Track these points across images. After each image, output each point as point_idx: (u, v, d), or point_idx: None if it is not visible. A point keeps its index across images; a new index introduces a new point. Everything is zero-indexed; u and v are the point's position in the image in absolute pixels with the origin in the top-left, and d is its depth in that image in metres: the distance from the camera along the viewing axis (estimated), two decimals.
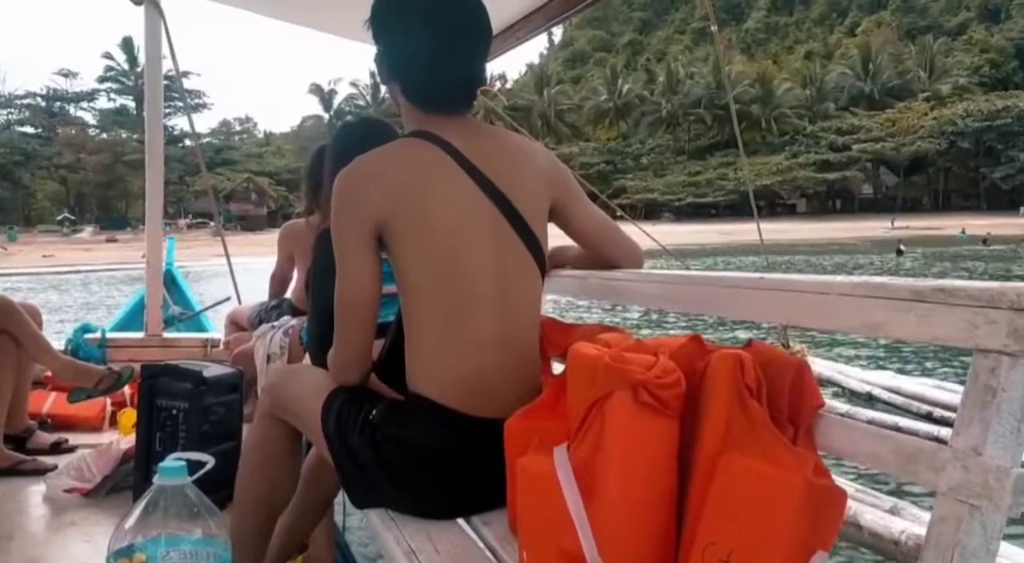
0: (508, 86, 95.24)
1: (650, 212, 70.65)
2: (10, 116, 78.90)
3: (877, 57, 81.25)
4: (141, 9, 3.70)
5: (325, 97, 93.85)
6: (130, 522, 1.22)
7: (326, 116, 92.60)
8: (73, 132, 77.93)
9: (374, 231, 1.36)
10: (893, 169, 73.14)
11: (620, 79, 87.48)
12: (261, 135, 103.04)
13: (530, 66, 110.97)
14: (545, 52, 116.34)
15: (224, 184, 70.74)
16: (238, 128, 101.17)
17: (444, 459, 1.35)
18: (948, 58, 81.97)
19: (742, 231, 50.24)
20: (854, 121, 75.10)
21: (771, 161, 73.00)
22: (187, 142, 75.24)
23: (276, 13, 3.66)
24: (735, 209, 67.55)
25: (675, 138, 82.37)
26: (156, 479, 1.24)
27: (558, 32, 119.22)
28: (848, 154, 71.61)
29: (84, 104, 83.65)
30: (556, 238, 1.61)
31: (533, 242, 1.43)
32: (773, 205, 73.69)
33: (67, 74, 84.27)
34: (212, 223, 56.22)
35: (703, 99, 79.77)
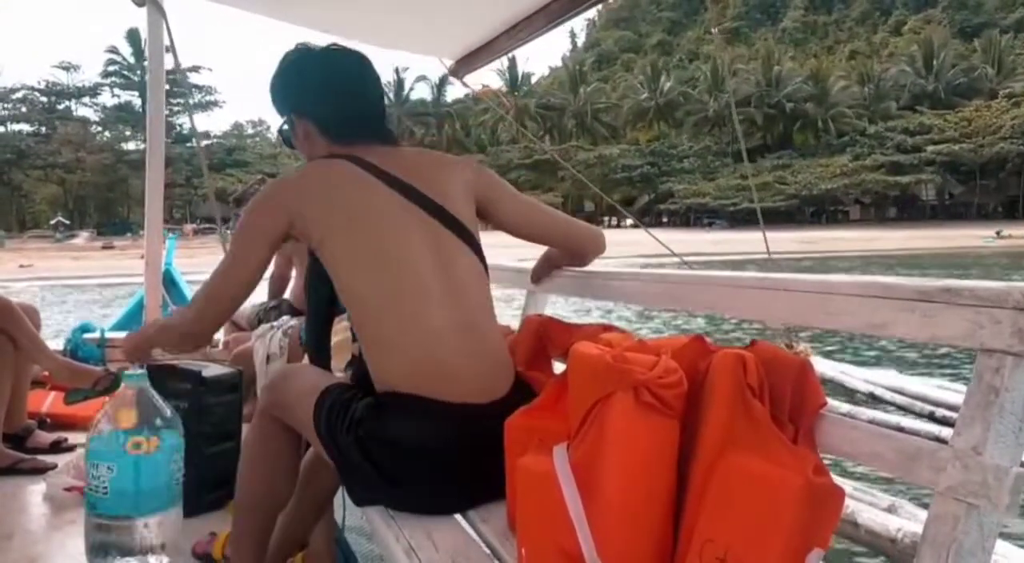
0: (531, 86, 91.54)
1: (698, 218, 66.76)
2: (4, 112, 73.02)
3: (940, 54, 75.76)
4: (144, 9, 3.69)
5: None
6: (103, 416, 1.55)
7: None
8: (71, 129, 72.82)
9: (280, 236, 1.46)
10: (957, 173, 66.80)
11: (663, 76, 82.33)
12: (273, 138, 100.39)
13: (554, 68, 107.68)
14: (568, 54, 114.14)
15: (235, 186, 65.48)
16: (250, 130, 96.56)
17: (424, 449, 1.36)
18: (1010, 56, 76.85)
19: (826, 239, 46.13)
20: (923, 120, 69.39)
21: (833, 163, 68.14)
22: (195, 142, 72.95)
23: (278, 14, 3.66)
24: (789, 215, 63.77)
25: (717, 140, 76.77)
26: (123, 385, 1.56)
27: (581, 34, 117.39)
28: (920, 156, 65.66)
29: (86, 100, 78.26)
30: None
31: (464, 232, 1.49)
32: (835, 212, 69.70)
33: (67, 67, 78.51)
34: (222, 228, 54.19)
35: (753, 97, 74.08)
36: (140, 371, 1.59)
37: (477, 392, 1.38)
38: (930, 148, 65.73)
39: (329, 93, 1.55)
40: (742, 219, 63.70)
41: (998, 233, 48.08)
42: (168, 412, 1.60)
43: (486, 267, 1.55)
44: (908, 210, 70.06)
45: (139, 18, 3.73)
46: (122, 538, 1.56)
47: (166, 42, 3.77)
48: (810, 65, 78.93)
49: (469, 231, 1.51)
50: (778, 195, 65.83)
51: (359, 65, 1.58)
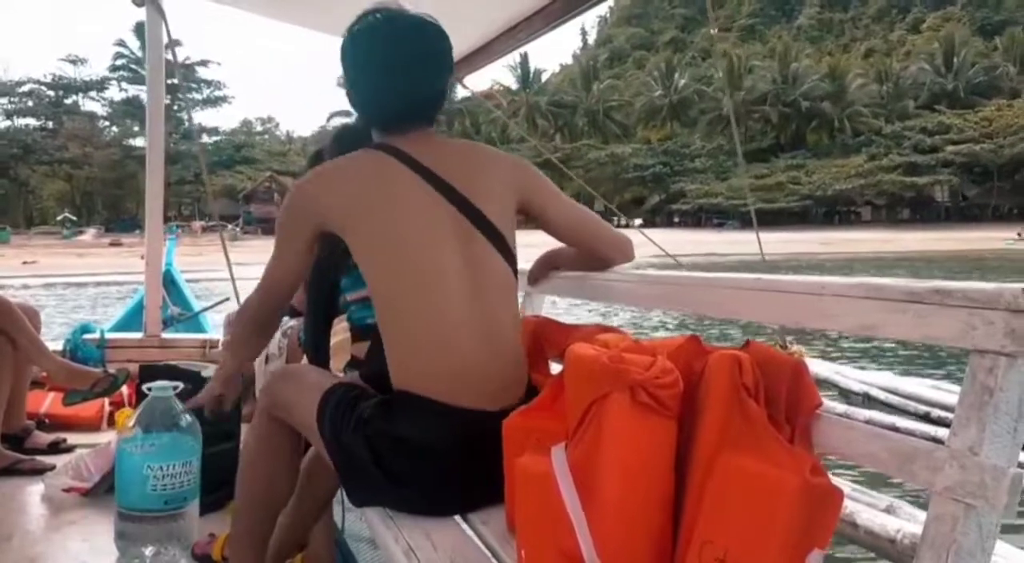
0: (543, 83, 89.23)
1: (709, 218, 65.00)
2: (10, 106, 69.84)
3: (960, 51, 74.03)
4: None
5: None
6: (133, 421, 1.83)
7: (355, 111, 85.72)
8: (78, 123, 70.08)
9: (313, 236, 1.47)
10: (971, 174, 65.18)
11: (676, 73, 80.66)
12: (282, 135, 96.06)
13: (565, 66, 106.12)
14: (579, 51, 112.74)
15: (244, 183, 65.47)
16: (259, 128, 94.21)
17: (434, 452, 1.36)
18: None
19: (843, 241, 44.76)
20: (942, 120, 67.59)
21: (849, 163, 66.40)
22: (206, 137, 68.83)
23: (277, 14, 3.66)
24: (801, 216, 62.75)
25: (730, 139, 72.77)
26: (151, 394, 1.83)
27: (592, 31, 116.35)
28: (938, 156, 64.00)
29: (93, 94, 75.34)
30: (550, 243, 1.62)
31: (497, 237, 1.46)
32: (848, 213, 68.25)
33: (74, 61, 76.19)
34: (230, 226, 50.95)
35: (769, 95, 73.17)
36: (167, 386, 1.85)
37: (491, 398, 1.36)
38: (949, 148, 63.96)
39: (369, 78, 1.49)
40: (751, 220, 61.30)
41: (1020, 234, 46.95)
42: (187, 420, 1.85)
43: (516, 271, 1.51)
44: (920, 211, 68.26)
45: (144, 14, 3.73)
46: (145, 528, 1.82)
47: (165, 40, 3.78)
48: (827, 62, 77.03)
49: (501, 234, 1.47)
50: (791, 196, 64.50)
51: (413, 43, 1.47)
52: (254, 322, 1.61)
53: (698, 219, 67.61)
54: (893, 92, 74.75)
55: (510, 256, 1.49)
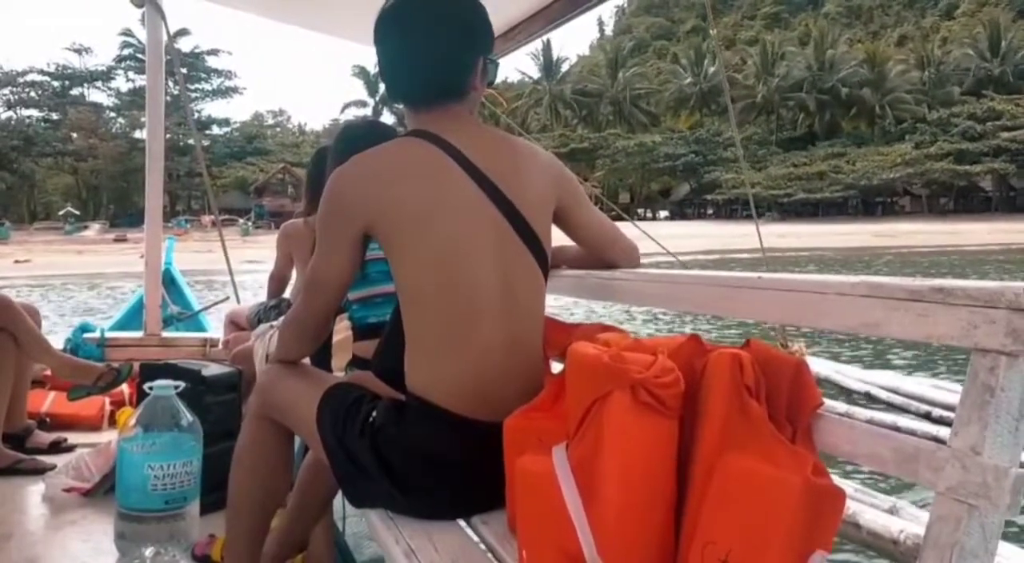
0: (564, 73, 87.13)
1: (742, 210, 61.97)
2: (12, 96, 66.59)
3: (1007, 35, 70.48)
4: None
5: (371, 80, 77.35)
6: (134, 420, 1.85)
7: (371, 101, 78.52)
8: (83, 114, 66.88)
9: (360, 234, 1.38)
10: (1016, 163, 60.21)
11: (706, 60, 76.45)
12: (295, 129, 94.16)
13: (582, 56, 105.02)
14: (596, 42, 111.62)
15: (256, 176, 63.77)
16: (271, 121, 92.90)
17: (446, 463, 1.34)
18: None
19: (902, 233, 42.34)
20: (993, 105, 63.34)
21: (893, 152, 62.76)
22: (215, 129, 67.63)
23: (275, 14, 3.66)
24: (840, 207, 61.16)
25: (763, 128, 72.00)
26: (152, 393, 1.85)
27: (610, 21, 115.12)
28: (989, 144, 59.75)
29: (99, 84, 71.38)
30: (557, 240, 1.60)
31: (537, 246, 1.42)
32: (892, 204, 65.69)
33: (79, 50, 74.18)
34: (242, 221, 50.23)
35: (805, 82, 70.18)
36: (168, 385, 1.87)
37: (508, 412, 1.30)
38: (1003, 135, 59.78)
39: (401, 49, 1.41)
40: (794, 211, 59.94)
41: None
42: (188, 419, 1.90)
43: (546, 274, 1.47)
44: (962, 201, 65.19)
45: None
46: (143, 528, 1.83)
47: (165, 40, 3.79)
48: (864, 49, 74.74)
49: (539, 239, 1.42)
50: (835, 185, 62.01)
51: (446, 13, 1.40)
52: (300, 333, 1.52)
53: (732, 211, 65.13)
54: (935, 78, 71.84)
55: (544, 263, 1.45)
